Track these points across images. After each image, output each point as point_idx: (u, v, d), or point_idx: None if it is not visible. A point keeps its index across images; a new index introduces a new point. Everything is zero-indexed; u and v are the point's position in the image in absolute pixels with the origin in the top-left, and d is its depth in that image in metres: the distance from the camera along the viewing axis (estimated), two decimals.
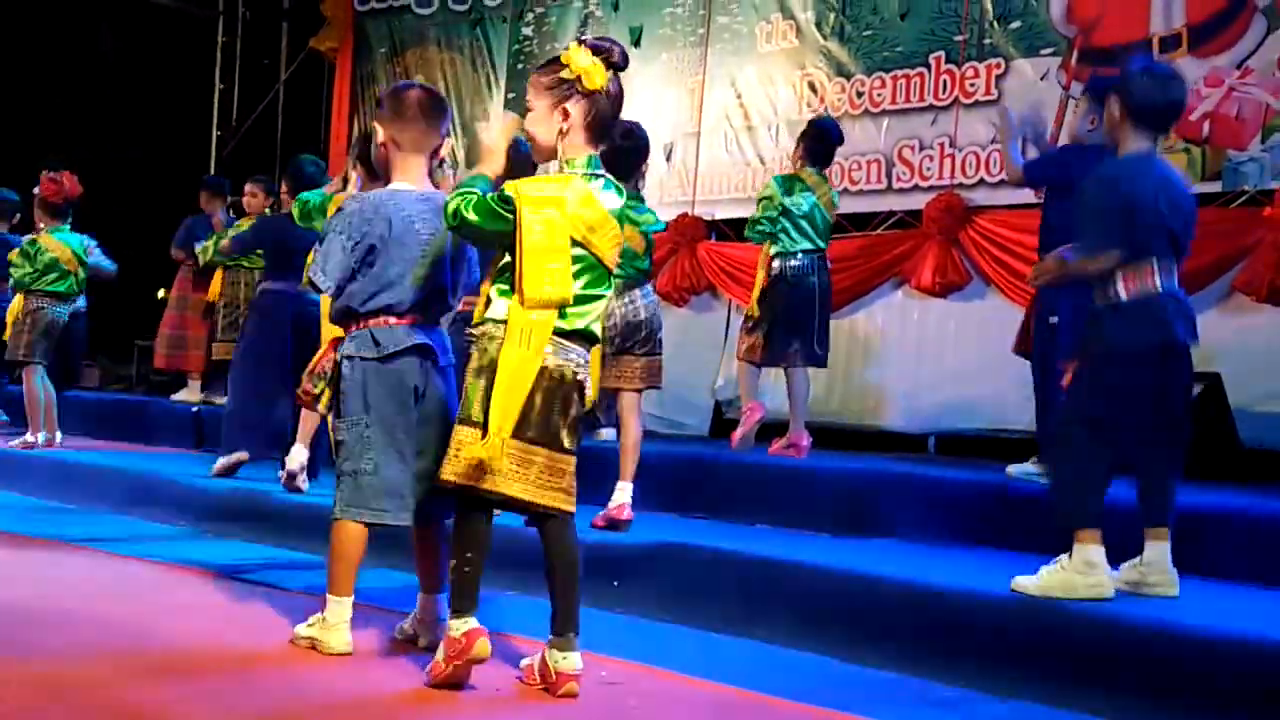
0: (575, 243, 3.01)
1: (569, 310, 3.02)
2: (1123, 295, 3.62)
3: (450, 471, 2.99)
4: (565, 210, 3.00)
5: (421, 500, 3.33)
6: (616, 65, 3.06)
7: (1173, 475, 3.73)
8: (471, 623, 3.00)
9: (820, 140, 6.26)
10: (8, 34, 11.07)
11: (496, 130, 3.21)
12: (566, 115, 3.07)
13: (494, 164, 3.15)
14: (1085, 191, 3.71)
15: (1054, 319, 5.13)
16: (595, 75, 3.03)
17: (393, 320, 3.33)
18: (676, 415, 8.44)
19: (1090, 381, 3.65)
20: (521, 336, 2.96)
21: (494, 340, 3.00)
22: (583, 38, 3.14)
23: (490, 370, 2.98)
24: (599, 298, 3.09)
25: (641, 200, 4.94)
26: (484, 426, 2.94)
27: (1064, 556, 3.58)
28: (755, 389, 6.35)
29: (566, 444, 3.05)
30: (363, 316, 3.34)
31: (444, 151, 3.54)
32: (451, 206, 3.04)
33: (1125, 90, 3.71)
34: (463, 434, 3.01)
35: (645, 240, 4.87)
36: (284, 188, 6.49)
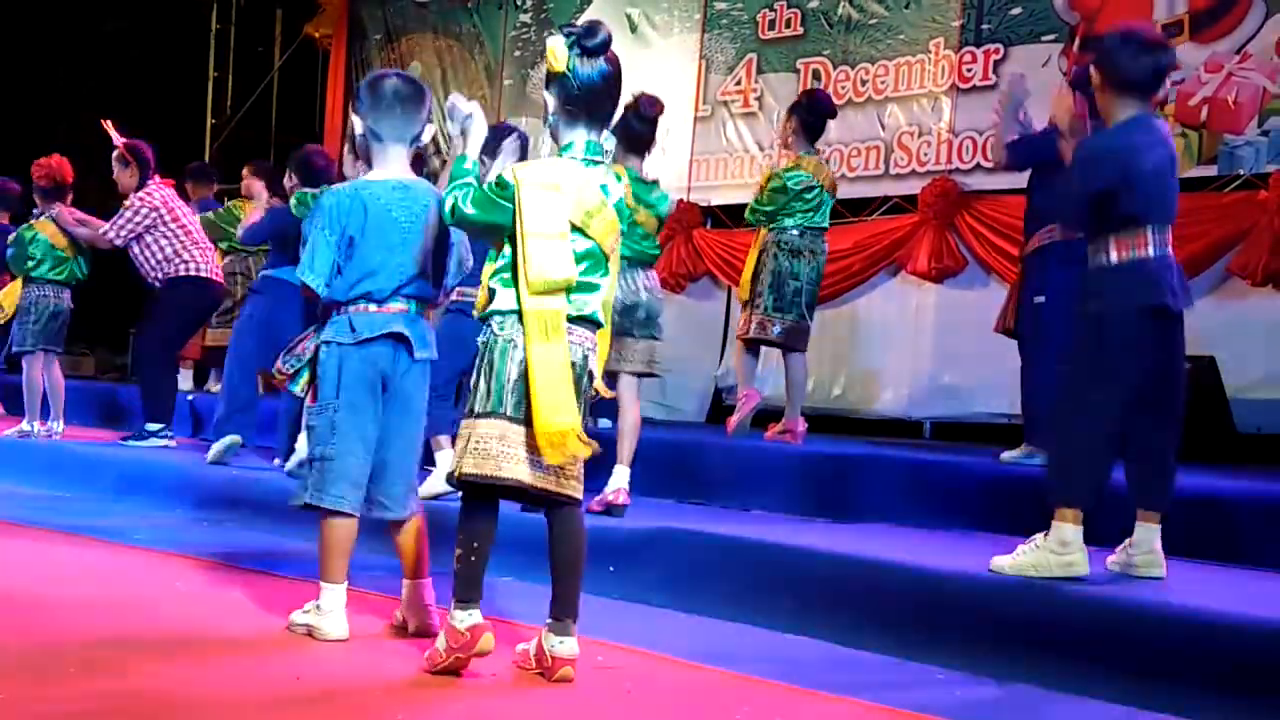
0: (575, 228, 3.01)
1: (572, 297, 3.01)
2: (1113, 257, 3.60)
3: (469, 465, 2.96)
4: (563, 193, 3.00)
5: (388, 491, 3.35)
6: (585, 47, 3.02)
7: (1172, 458, 3.72)
8: (476, 616, 2.99)
9: (813, 112, 6.22)
10: (5, 24, 11.04)
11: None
12: (549, 102, 3.09)
13: (474, 140, 3.15)
14: (1076, 161, 3.68)
15: (1039, 299, 5.13)
16: (557, 58, 3.02)
17: (372, 307, 3.32)
18: (674, 401, 8.45)
19: (1086, 345, 3.63)
20: (541, 328, 2.94)
21: (504, 330, 2.97)
22: (565, 24, 3.13)
23: (504, 360, 2.96)
24: (598, 285, 3.07)
25: (654, 184, 4.98)
26: (527, 420, 2.93)
27: (1040, 535, 3.60)
28: (752, 375, 6.35)
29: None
30: (343, 304, 3.34)
31: (426, 138, 3.51)
32: (449, 204, 3.04)
33: (1106, 58, 3.68)
34: (484, 426, 2.97)
35: (657, 222, 4.88)
36: (290, 179, 6.45)
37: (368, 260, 3.31)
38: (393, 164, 3.43)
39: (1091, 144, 3.72)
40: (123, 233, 6.93)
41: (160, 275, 6.99)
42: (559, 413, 2.91)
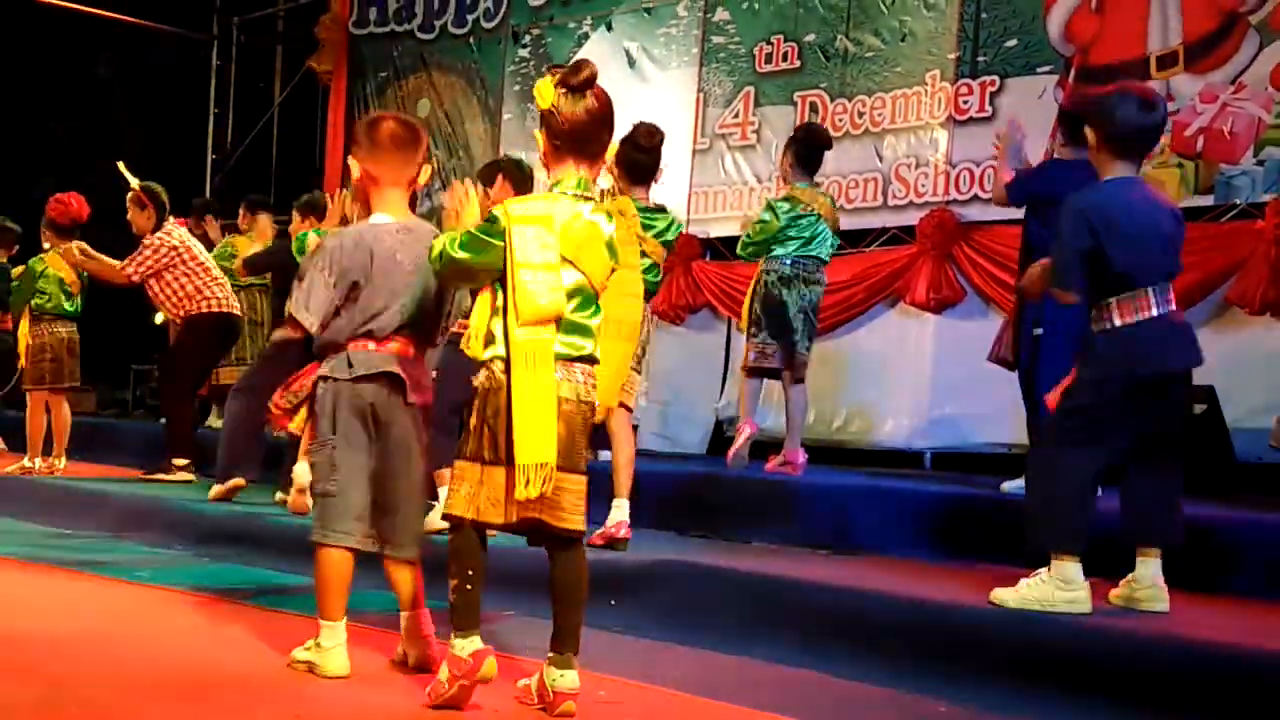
0: (565, 261, 3.02)
1: (568, 339, 3.02)
2: (1117, 322, 3.61)
3: (459, 507, 2.98)
4: (553, 228, 3.01)
5: (399, 529, 3.35)
6: (570, 84, 3.05)
7: (1178, 494, 3.73)
8: (476, 642, 2.99)
9: (808, 145, 6.26)
10: (5, 60, 11.10)
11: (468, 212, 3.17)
12: (539, 140, 3.12)
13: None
14: (1061, 217, 3.70)
15: (1038, 330, 5.15)
16: (544, 95, 3.06)
17: (372, 345, 3.33)
18: (675, 433, 8.45)
19: (1083, 403, 3.64)
20: (527, 360, 2.95)
21: (504, 377, 2.97)
22: (555, 64, 3.17)
23: (503, 406, 2.96)
24: (590, 325, 3.08)
25: (661, 209, 5.00)
26: (507, 459, 2.93)
27: (1043, 571, 3.60)
28: (754, 406, 6.36)
29: (583, 466, 3.07)
30: (344, 343, 3.36)
31: (422, 179, 3.53)
32: (436, 250, 3.06)
33: (1101, 117, 3.70)
34: (475, 470, 2.98)
35: (665, 250, 4.92)
36: (303, 220, 6.48)
37: (373, 303, 3.32)
38: (392, 206, 3.44)
39: (1073, 200, 3.70)
40: (142, 269, 7.03)
41: (182, 312, 7.11)
42: (537, 447, 2.91)
